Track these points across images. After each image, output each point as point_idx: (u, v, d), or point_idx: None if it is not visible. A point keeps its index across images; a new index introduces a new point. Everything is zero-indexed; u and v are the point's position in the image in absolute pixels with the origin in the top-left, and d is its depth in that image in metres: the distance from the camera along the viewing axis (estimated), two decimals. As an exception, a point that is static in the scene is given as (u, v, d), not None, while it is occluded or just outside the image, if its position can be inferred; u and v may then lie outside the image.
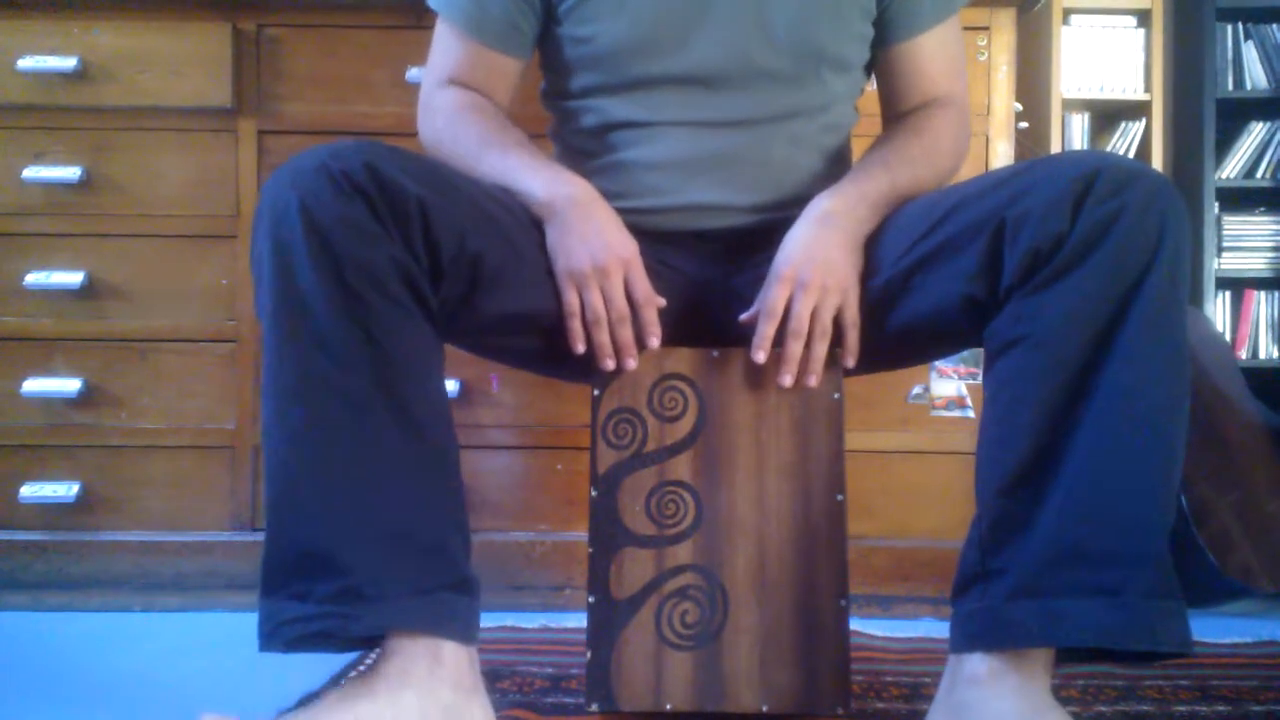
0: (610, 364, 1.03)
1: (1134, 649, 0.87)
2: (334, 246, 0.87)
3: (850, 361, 1.02)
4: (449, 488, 0.95)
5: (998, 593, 0.90)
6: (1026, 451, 0.90)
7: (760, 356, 1.02)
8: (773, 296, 1.01)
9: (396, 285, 0.89)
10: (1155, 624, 0.86)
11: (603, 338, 1.02)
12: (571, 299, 1.01)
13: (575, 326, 1.02)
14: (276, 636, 0.89)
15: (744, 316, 1.04)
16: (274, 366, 0.90)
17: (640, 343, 1.03)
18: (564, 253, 1.01)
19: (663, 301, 1.04)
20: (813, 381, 1.02)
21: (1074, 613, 0.87)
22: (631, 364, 1.03)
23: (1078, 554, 0.87)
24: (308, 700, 1.12)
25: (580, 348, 1.02)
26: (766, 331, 1.01)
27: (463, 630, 0.92)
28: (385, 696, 0.87)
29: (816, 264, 1.00)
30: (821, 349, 1.01)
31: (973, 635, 0.92)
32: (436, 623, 0.91)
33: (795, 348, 1.01)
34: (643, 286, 1.02)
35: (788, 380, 1.01)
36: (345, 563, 0.88)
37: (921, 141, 1.13)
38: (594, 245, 1.01)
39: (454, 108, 1.13)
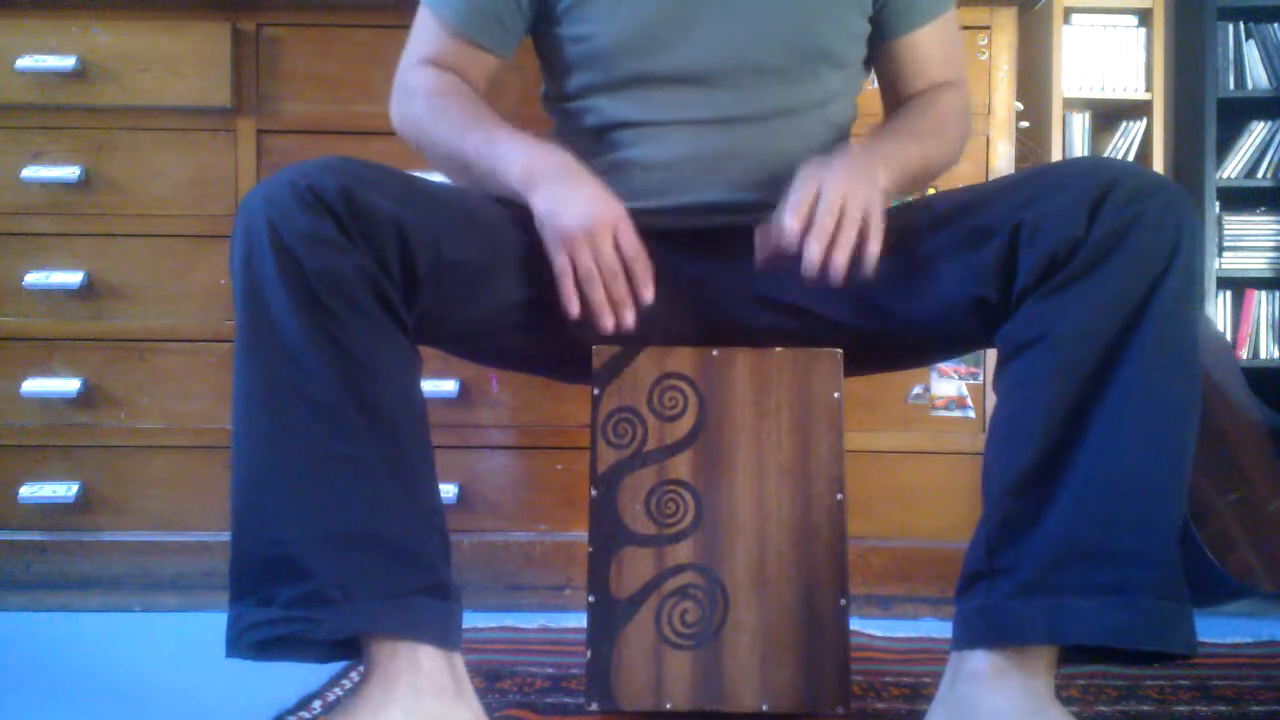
0: (609, 321, 0.98)
1: (1140, 649, 0.87)
2: (300, 261, 0.87)
3: (869, 268, 0.96)
4: (423, 492, 0.95)
5: (1004, 590, 0.90)
6: (1038, 451, 0.90)
7: (792, 239, 0.94)
8: (798, 190, 0.96)
9: (365, 296, 0.89)
10: (1163, 625, 0.87)
11: (598, 294, 0.98)
12: (562, 260, 0.98)
13: (568, 287, 0.98)
14: (241, 641, 0.89)
15: (759, 227, 1.00)
16: (240, 377, 0.90)
17: (635, 299, 0.99)
18: (552, 218, 0.99)
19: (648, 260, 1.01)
20: (839, 261, 0.94)
21: (1081, 611, 0.87)
22: (629, 319, 0.99)
23: (1087, 552, 0.87)
24: (306, 701, 1.12)
25: (574, 308, 0.98)
26: (799, 208, 0.94)
27: (440, 635, 0.91)
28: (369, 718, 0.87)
29: (841, 170, 0.97)
30: (851, 233, 0.94)
31: (976, 632, 0.91)
32: (409, 627, 0.90)
33: (827, 222, 0.93)
34: (632, 242, 0.99)
35: (816, 256, 0.93)
36: (309, 567, 0.87)
37: (929, 116, 1.13)
38: (582, 209, 0.98)
39: (433, 89, 1.12)
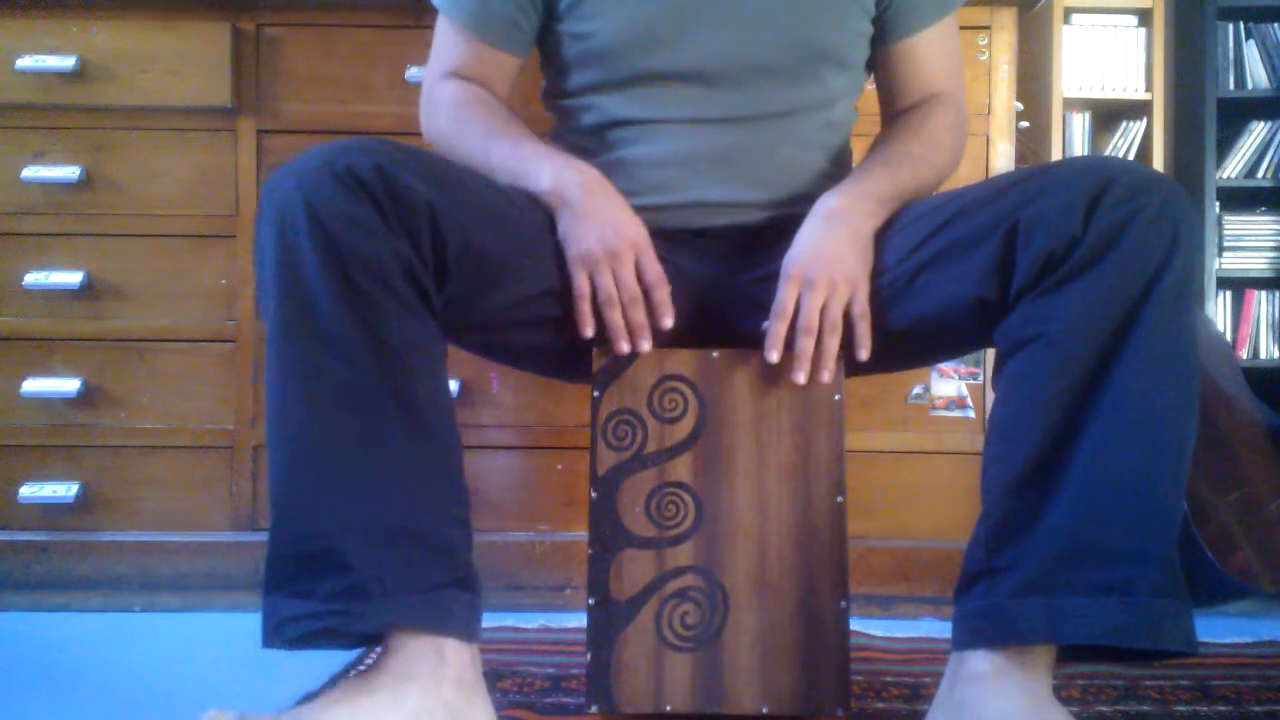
0: (625, 346, 1.02)
1: (1140, 647, 0.87)
2: (340, 244, 0.86)
3: (863, 354, 1.02)
4: (453, 484, 0.95)
5: (1003, 590, 0.90)
6: (1036, 450, 0.90)
7: (774, 356, 1.01)
8: (782, 296, 1.01)
9: (401, 281, 0.89)
10: (1162, 623, 0.87)
11: (616, 319, 1.01)
12: (582, 282, 1.01)
13: (584, 309, 1.01)
14: (279, 634, 0.89)
15: (765, 325, 1.04)
16: (277, 363, 0.89)
17: (653, 325, 1.03)
18: (575, 238, 1.01)
19: (669, 286, 1.04)
20: (826, 377, 1.02)
21: (1081, 610, 0.87)
22: (646, 346, 1.02)
23: (1085, 552, 0.87)
24: (307, 699, 1.12)
25: (589, 331, 1.02)
26: (778, 330, 1.01)
27: (465, 628, 0.92)
28: (387, 694, 0.86)
29: (823, 261, 1.00)
30: (833, 344, 1.01)
31: (976, 632, 0.91)
32: (439, 620, 0.90)
33: (806, 344, 1.01)
34: (654, 269, 1.02)
35: (801, 378, 1.01)
36: (349, 560, 0.87)
37: (920, 139, 1.13)
38: (605, 231, 1.01)
39: (457, 102, 1.13)
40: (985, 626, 0.91)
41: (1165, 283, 0.87)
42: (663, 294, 1.03)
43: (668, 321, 1.03)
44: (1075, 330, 0.89)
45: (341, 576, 0.88)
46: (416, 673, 0.88)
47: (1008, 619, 0.89)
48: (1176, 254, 0.88)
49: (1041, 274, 0.90)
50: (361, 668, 1.18)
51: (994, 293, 0.95)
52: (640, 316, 1.02)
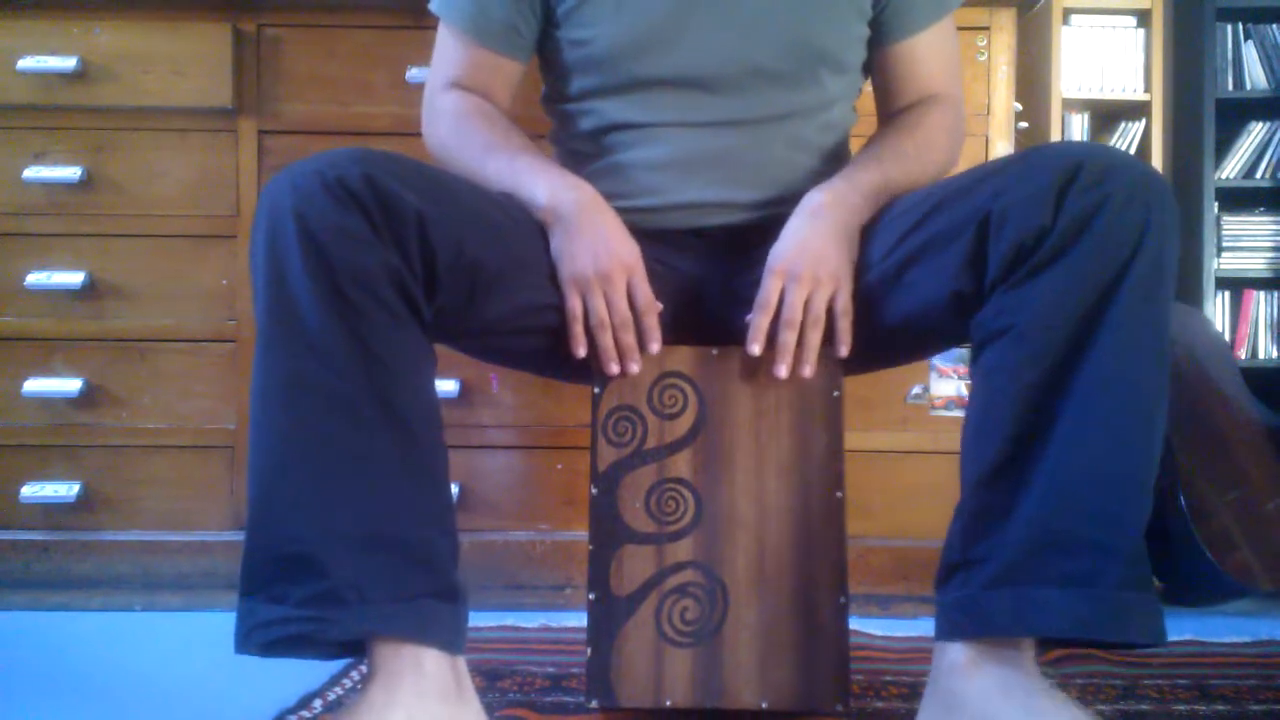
0: (614, 368, 1.03)
1: (1105, 639, 0.88)
2: (328, 254, 0.87)
3: (844, 350, 1.02)
4: (437, 493, 0.95)
5: (977, 582, 0.91)
6: (1007, 442, 0.90)
7: (755, 349, 1.02)
8: (766, 290, 1.02)
9: (389, 291, 0.89)
10: (1127, 615, 0.87)
11: (606, 342, 1.02)
12: (574, 303, 1.02)
13: (577, 331, 1.02)
14: (252, 638, 0.88)
15: (748, 317, 1.05)
16: (262, 368, 0.90)
17: (641, 347, 1.04)
18: (568, 258, 1.02)
19: (660, 306, 1.05)
20: (807, 371, 1.02)
21: (1049, 601, 0.87)
22: (634, 368, 1.04)
23: (1054, 543, 0.88)
24: (307, 700, 1.13)
25: (581, 352, 1.03)
26: (760, 323, 1.02)
27: (447, 638, 0.91)
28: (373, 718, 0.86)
29: (808, 256, 1.00)
30: (815, 338, 1.01)
31: (954, 624, 0.92)
32: (418, 630, 0.89)
33: (788, 338, 1.01)
34: (645, 292, 1.03)
35: (783, 371, 1.02)
36: (324, 566, 0.87)
37: (914, 137, 1.13)
38: (598, 250, 1.01)
39: (458, 113, 1.14)
40: (962, 619, 0.92)
41: (1137, 269, 0.86)
42: (651, 320, 1.03)
43: (655, 347, 1.04)
44: (1045, 321, 0.88)
45: (317, 582, 0.87)
46: (399, 693, 0.87)
47: (980, 611, 0.90)
48: (1148, 240, 0.86)
49: (1012, 266, 0.90)
50: (346, 681, 1.18)
51: (970, 286, 0.94)
52: (630, 339, 1.03)
